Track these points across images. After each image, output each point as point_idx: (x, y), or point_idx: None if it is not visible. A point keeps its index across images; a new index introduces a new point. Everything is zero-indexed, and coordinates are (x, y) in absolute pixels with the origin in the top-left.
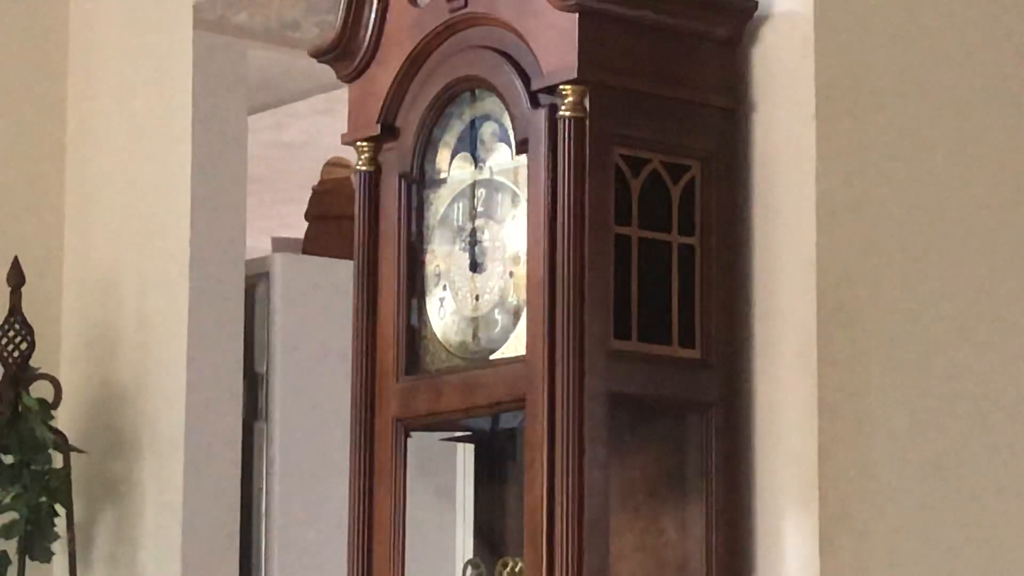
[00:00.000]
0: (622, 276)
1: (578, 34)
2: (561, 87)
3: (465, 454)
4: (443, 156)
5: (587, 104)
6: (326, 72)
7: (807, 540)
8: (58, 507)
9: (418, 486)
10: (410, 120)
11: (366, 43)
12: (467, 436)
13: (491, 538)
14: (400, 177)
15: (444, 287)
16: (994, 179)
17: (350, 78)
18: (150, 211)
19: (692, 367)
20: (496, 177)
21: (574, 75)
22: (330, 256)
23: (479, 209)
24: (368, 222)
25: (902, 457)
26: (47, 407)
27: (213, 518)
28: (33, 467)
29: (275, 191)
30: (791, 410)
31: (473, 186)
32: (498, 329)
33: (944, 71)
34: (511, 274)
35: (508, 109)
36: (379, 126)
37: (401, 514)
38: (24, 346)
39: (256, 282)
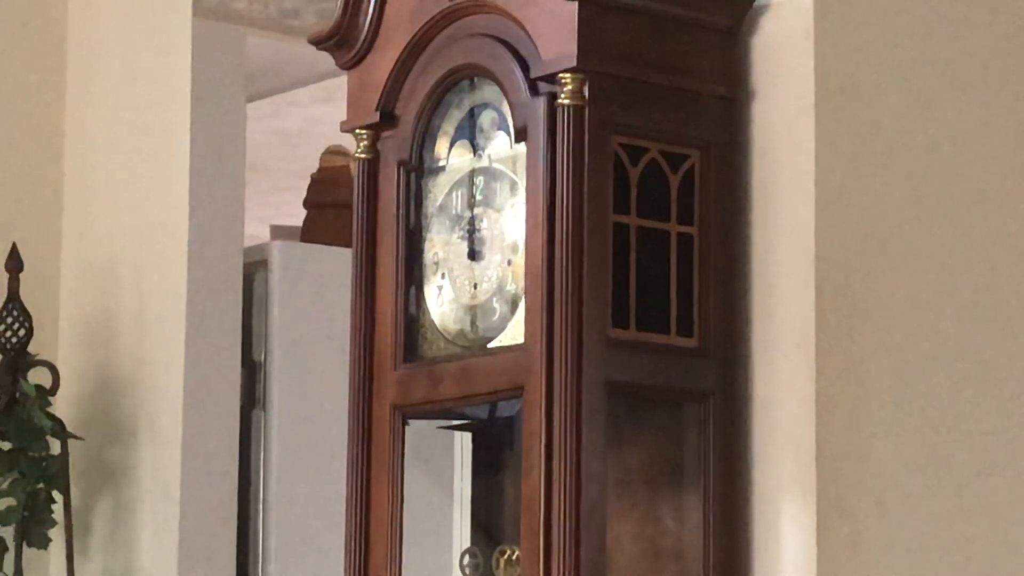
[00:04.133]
0: (620, 265)
1: (577, 22)
2: (560, 75)
3: (463, 442)
4: (442, 144)
5: (586, 92)
6: (325, 60)
7: (804, 529)
8: (55, 494)
9: (416, 474)
10: (409, 108)
11: (365, 31)
12: (465, 424)
13: (489, 527)
14: (399, 165)
15: (442, 275)
16: (994, 169)
17: (349, 66)
18: (149, 198)
19: (690, 356)
20: (495, 165)
21: (573, 63)
22: (329, 244)
23: (478, 197)
24: (367, 210)
25: (899, 447)
26: (45, 394)
27: (211, 506)
28: (30, 454)
29: (274, 179)
30: (789, 399)
31: (472, 174)
32: (496, 317)
33: (943, 60)
34: (509, 262)
35: (507, 97)
36: (378, 114)
37: (399, 502)
38: (22, 332)
39: (254, 270)
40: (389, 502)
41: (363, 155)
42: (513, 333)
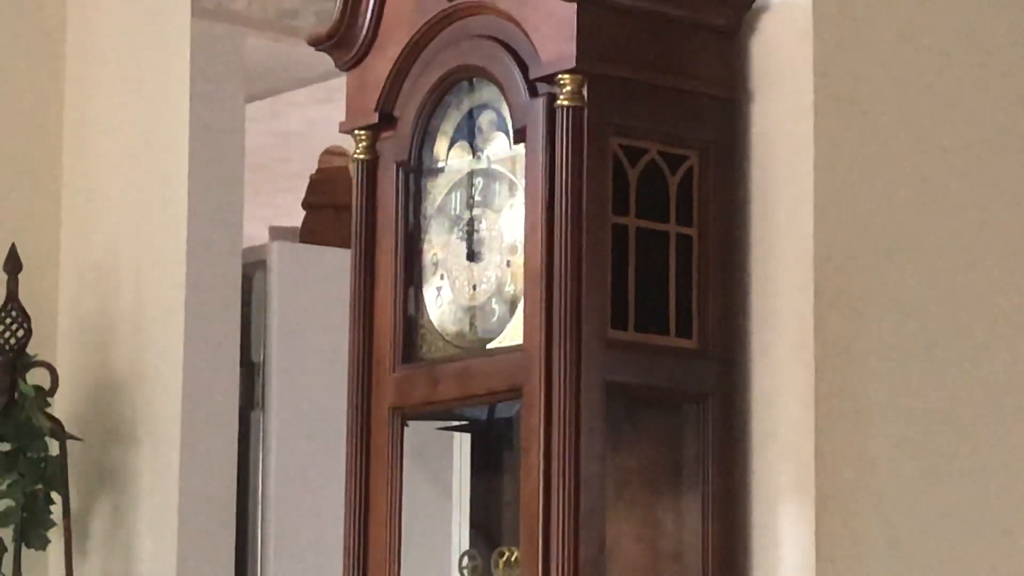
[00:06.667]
0: (619, 266)
1: (576, 23)
2: (559, 76)
3: (462, 443)
4: (441, 145)
5: (585, 93)
6: (324, 60)
7: (803, 530)
8: (54, 495)
9: (415, 475)
10: (408, 109)
11: (364, 31)
12: (464, 425)
13: (487, 528)
14: (398, 166)
15: (441, 276)
16: (992, 170)
17: (348, 66)
18: (147, 199)
19: (689, 357)
20: (494, 166)
21: (572, 64)
22: (327, 245)
23: (477, 198)
24: (366, 211)
25: (898, 447)
26: (43, 394)
27: (209, 506)
28: (29, 454)
29: (273, 180)
30: (788, 400)
31: (471, 175)
32: (495, 318)
33: (942, 62)
34: (508, 263)
35: (506, 98)
36: (377, 115)
37: (397, 504)
38: (21, 333)
39: (253, 271)
40: (388, 503)
41: (362, 156)
42: (512, 334)
